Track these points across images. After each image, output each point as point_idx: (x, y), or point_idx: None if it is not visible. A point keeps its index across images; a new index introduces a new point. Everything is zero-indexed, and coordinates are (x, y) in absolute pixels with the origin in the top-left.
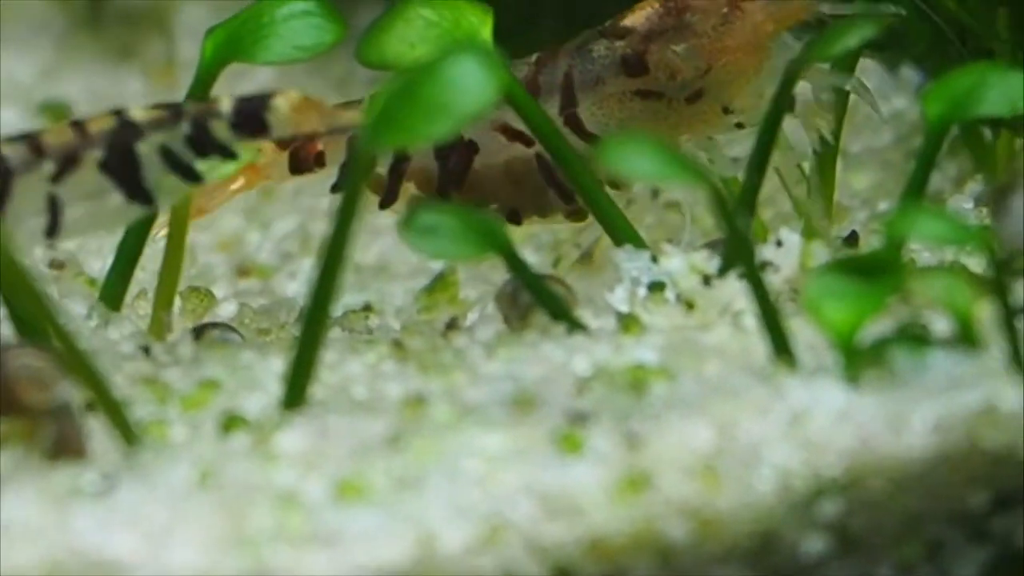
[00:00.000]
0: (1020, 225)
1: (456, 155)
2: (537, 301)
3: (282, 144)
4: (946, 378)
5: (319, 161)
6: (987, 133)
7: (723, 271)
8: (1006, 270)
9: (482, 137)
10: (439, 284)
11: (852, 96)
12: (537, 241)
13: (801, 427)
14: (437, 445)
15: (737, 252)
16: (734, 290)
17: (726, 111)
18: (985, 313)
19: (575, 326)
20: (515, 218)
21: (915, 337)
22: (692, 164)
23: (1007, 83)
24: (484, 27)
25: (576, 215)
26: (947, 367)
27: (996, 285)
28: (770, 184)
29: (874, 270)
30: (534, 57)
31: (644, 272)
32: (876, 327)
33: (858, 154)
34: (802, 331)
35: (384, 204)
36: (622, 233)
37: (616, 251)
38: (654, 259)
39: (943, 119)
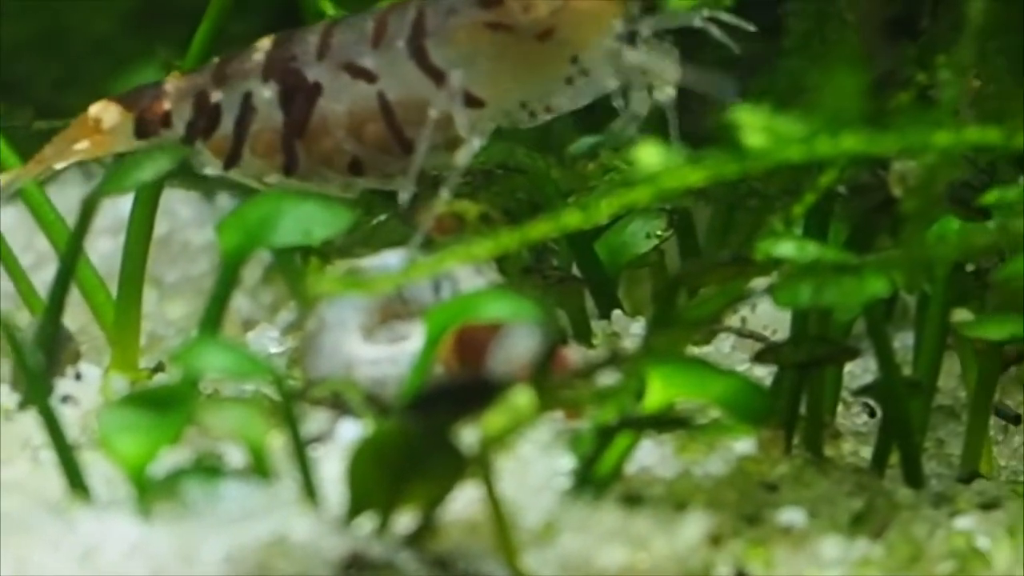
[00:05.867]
0: (329, 364)
1: (299, 100)
2: None
3: (128, 107)
4: (239, 509)
5: (165, 122)
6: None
7: (23, 405)
8: (300, 400)
9: (327, 77)
10: None
11: (165, 228)
12: None
13: (93, 561)
14: None
15: (32, 387)
16: (34, 425)
17: (573, 60)
18: (279, 444)
19: None
20: (357, 169)
21: (209, 468)
22: None
23: (299, 212)
24: None
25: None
26: (240, 498)
27: (287, 416)
28: (85, 315)
29: (168, 402)
30: None
31: None
32: (174, 458)
33: (174, 283)
34: (100, 464)
35: (227, 166)
36: None
37: None
38: None
39: (237, 249)
